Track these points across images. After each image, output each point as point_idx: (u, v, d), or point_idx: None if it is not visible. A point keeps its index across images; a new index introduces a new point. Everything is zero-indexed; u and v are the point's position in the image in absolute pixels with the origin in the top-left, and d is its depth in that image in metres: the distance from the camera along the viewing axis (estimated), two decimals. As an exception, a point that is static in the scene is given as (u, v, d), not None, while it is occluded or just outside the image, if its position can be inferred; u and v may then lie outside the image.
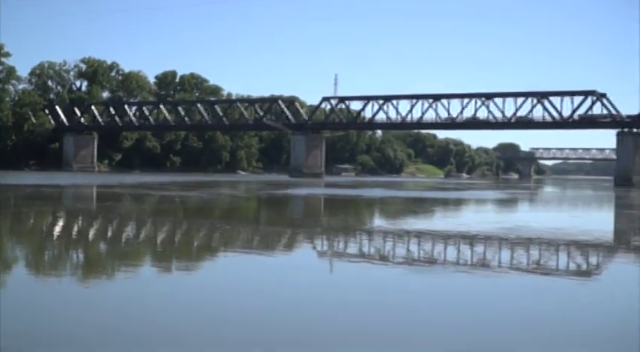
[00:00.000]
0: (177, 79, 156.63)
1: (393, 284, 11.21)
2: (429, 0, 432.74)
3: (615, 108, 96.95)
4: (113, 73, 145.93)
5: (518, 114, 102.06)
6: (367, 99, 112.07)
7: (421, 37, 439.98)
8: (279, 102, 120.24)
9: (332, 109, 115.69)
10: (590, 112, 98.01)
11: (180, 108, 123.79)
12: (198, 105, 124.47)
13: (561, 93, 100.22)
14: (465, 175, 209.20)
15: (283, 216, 29.52)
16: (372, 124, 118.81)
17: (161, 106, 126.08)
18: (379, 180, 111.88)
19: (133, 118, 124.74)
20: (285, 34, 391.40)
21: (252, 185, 65.63)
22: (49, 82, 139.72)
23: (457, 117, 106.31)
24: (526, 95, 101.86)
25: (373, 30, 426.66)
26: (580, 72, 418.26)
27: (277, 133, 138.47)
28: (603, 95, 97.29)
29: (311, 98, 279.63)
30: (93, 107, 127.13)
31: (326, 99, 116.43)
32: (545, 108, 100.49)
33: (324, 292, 10.43)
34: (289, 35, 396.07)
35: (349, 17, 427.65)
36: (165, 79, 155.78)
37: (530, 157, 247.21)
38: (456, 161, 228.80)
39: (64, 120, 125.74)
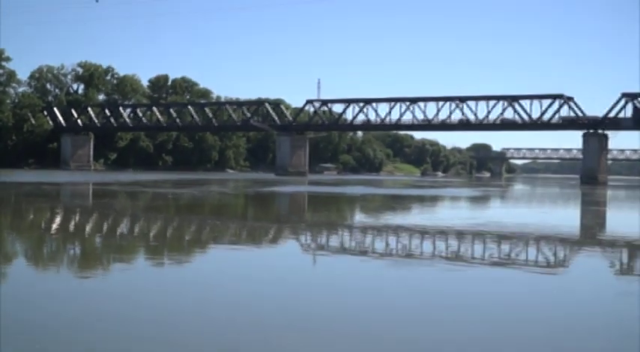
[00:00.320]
0: (170, 83, 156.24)
1: (372, 274, 11.31)
2: (406, 9, 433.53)
3: (582, 111, 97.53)
4: (108, 77, 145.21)
5: (490, 116, 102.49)
6: (348, 102, 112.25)
7: (399, 44, 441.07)
8: (266, 104, 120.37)
9: (315, 111, 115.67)
10: (557, 115, 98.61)
11: (172, 110, 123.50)
12: (189, 107, 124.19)
13: (531, 97, 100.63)
14: (440, 174, 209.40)
15: (271, 212, 29.53)
16: (353, 126, 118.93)
17: (154, 108, 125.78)
18: (360, 178, 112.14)
19: (128, 120, 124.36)
20: (271, 41, 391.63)
21: (240, 183, 65.56)
22: (48, 85, 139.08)
23: (433, 119, 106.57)
24: (498, 98, 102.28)
25: (354, 36, 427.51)
26: (549, 77, 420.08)
27: (263, 134, 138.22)
28: (570, 99, 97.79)
29: (295, 101, 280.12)
30: (89, 109, 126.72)
31: (309, 101, 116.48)
32: (515, 111, 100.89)
33: (309, 281, 10.54)
34: (275, 42, 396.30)
35: (332, 24, 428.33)
36: (158, 83, 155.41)
37: (502, 157, 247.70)
38: (431, 160, 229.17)
39: (62, 121, 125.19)
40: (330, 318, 7.89)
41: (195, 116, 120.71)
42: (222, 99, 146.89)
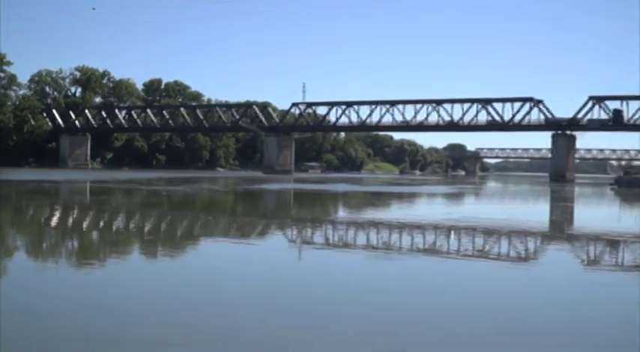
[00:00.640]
0: (163, 86, 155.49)
1: (354, 266, 11.37)
2: (386, 17, 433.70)
3: (551, 113, 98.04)
4: (105, 80, 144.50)
5: (465, 118, 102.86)
6: (332, 104, 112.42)
7: (381, 49, 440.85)
8: (254, 107, 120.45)
9: (300, 113, 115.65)
10: (528, 116, 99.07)
11: (165, 112, 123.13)
12: (182, 109, 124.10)
13: (503, 100, 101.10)
14: (418, 172, 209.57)
15: (260, 208, 29.55)
16: (336, 127, 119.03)
17: (148, 110, 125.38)
18: (342, 176, 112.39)
19: (123, 121, 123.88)
20: (259, 46, 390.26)
21: (230, 180, 65.46)
22: (47, 88, 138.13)
23: (411, 120, 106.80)
24: (472, 101, 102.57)
25: (338, 43, 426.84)
26: (520, 80, 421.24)
27: (252, 134, 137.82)
28: (540, 101, 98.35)
29: (282, 103, 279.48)
30: (86, 111, 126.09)
31: (295, 104, 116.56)
32: (488, 113, 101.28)
33: (296, 273, 10.59)
34: (263, 47, 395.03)
35: (317, 31, 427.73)
36: (152, 86, 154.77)
37: (476, 156, 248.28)
38: (410, 159, 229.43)
39: (61, 122, 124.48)
40: (315, 306, 7.94)
41: (187, 118, 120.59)
42: (213, 102, 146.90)
